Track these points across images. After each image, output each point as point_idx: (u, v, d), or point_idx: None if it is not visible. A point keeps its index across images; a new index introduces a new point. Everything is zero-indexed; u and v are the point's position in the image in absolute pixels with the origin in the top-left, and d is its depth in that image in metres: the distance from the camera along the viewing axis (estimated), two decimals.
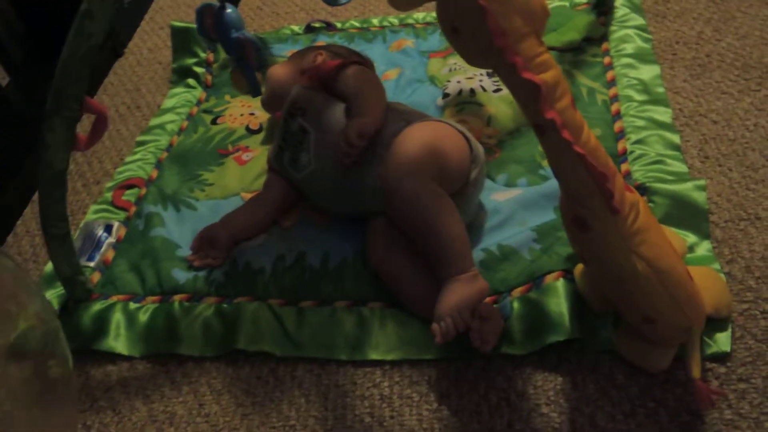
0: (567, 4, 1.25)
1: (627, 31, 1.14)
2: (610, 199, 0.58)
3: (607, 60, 1.11)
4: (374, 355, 0.76)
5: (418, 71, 1.18)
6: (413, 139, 0.79)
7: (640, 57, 1.08)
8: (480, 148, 0.86)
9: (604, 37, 1.15)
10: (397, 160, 0.77)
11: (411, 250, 0.80)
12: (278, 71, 0.99)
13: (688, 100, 1.00)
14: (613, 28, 1.16)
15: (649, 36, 1.13)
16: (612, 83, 1.06)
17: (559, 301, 0.74)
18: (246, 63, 0.81)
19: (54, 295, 0.89)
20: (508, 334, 0.74)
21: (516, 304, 0.76)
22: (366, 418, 0.71)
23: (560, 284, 0.75)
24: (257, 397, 0.75)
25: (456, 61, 1.19)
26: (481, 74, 1.10)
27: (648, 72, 1.06)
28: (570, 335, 0.71)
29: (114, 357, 0.82)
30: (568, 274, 0.76)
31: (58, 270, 0.84)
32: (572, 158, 0.57)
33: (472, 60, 0.59)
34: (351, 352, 0.77)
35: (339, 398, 0.73)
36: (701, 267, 0.73)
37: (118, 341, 0.83)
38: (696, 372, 0.61)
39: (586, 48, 1.13)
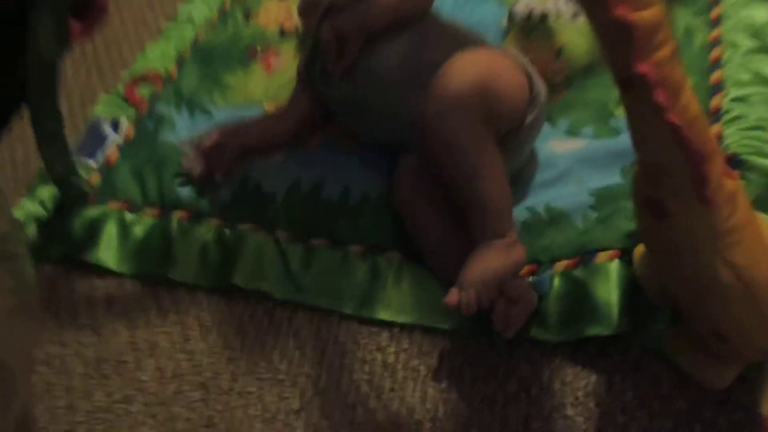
0: None
1: None
2: (703, 185, 0.45)
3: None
4: (383, 314, 0.67)
5: None
6: (463, 70, 0.66)
7: None
8: (542, 88, 0.71)
9: None
10: (441, 93, 0.64)
11: (444, 198, 0.68)
12: None
13: None
14: None
15: None
16: (716, 22, 0.88)
17: (608, 287, 0.62)
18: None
19: (49, 193, 0.81)
20: (542, 314, 0.63)
21: (557, 281, 0.64)
22: (363, 387, 0.62)
23: (614, 266, 0.63)
24: (247, 339, 0.67)
25: None
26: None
27: (764, 13, 0.87)
28: (615, 330, 0.60)
29: (102, 271, 0.75)
30: (625, 255, 0.64)
31: (50, 170, 0.75)
32: (662, 127, 0.44)
33: None
34: (358, 307, 0.67)
35: (337, 357, 0.65)
36: None
37: (108, 254, 0.75)
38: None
39: None
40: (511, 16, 0.93)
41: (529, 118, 0.69)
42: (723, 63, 0.82)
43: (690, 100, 0.44)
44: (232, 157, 0.78)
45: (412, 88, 0.71)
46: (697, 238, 0.47)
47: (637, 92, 0.44)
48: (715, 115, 0.77)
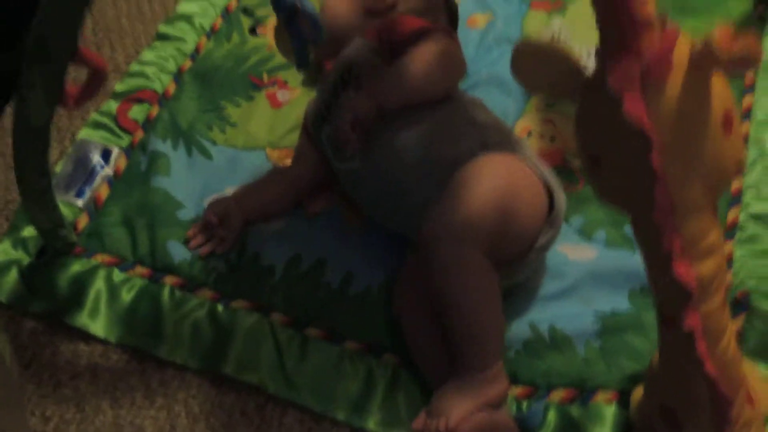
0: None
1: None
2: (724, 426, 0.44)
3: (749, 78, 0.87)
4: (373, 425, 0.66)
5: (512, 25, 0.95)
6: (478, 188, 0.61)
7: None
8: (563, 204, 0.68)
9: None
10: (447, 217, 0.61)
11: None
12: (336, 4, 0.77)
13: None
14: None
15: None
16: (746, 116, 0.84)
17: None
18: (296, 30, 0.60)
19: (33, 233, 0.77)
20: None
21: (552, 414, 0.64)
22: None
23: (611, 411, 0.63)
24: None
25: (563, 21, 0.95)
26: (589, 52, 0.87)
27: None
28: None
29: (88, 334, 0.72)
30: (623, 396, 0.63)
31: (36, 225, 0.71)
32: (696, 369, 0.42)
33: (608, 198, 0.41)
34: (350, 414, 0.66)
35: None
36: None
37: (95, 320, 0.72)
38: None
39: None
40: None
41: (542, 240, 0.66)
42: (747, 168, 0.79)
43: (729, 342, 0.43)
44: (235, 230, 0.74)
45: (423, 181, 0.67)
46: None
47: (679, 337, 0.41)
48: (731, 230, 0.75)
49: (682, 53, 0.36)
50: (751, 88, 0.87)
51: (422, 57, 0.68)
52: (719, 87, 0.37)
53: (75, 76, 0.75)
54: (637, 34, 0.35)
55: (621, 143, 0.37)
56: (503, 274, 0.64)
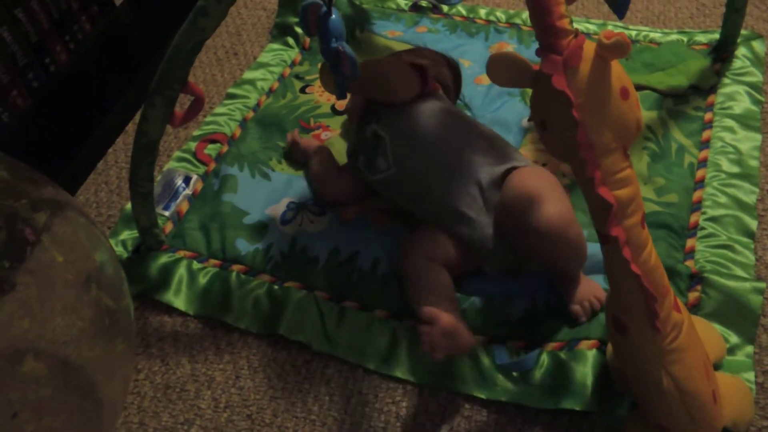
0: (685, 40, 1.18)
1: (738, 88, 1.08)
2: (654, 319, 0.59)
3: (708, 116, 1.06)
4: (399, 373, 0.81)
5: None
6: (556, 190, 0.82)
7: (744, 121, 1.04)
8: None
9: (713, 89, 1.10)
10: (553, 209, 0.79)
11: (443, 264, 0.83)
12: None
13: None
14: (725, 80, 1.10)
15: (761, 98, 1.08)
16: (705, 145, 1.02)
17: (585, 371, 0.77)
18: (338, 70, 0.82)
19: (129, 236, 0.98)
20: (529, 384, 0.77)
21: (545, 357, 0.79)
22: None
23: (592, 354, 0.78)
24: (288, 383, 0.82)
25: None
26: None
27: (747, 141, 1.01)
28: (586, 407, 0.74)
29: (171, 309, 0.90)
30: (602, 345, 0.78)
31: (138, 221, 0.91)
32: (627, 273, 0.59)
33: (555, 154, 0.60)
34: (380, 364, 0.82)
35: (359, 405, 0.79)
36: (732, 377, 0.74)
37: (178, 297, 0.91)
38: None
39: (690, 97, 1.09)
40: (531, 117, 1.08)
41: None
42: (706, 183, 0.96)
43: (650, 253, 0.59)
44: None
45: (458, 185, 0.85)
46: (647, 353, 0.62)
47: (610, 246, 0.59)
48: (692, 230, 0.92)
49: (589, 49, 0.55)
50: (709, 125, 1.05)
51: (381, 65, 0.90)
52: (617, 70, 0.56)
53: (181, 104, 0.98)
54: (558, 39, 0.55)
55: (556, 108, 0.56)
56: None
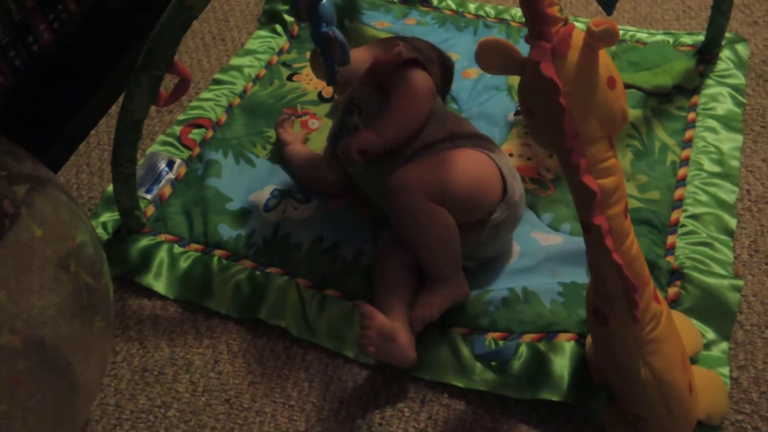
0: (670, 41, 1.20)
1: (722, 90, 1.10)
2: (634, 309, 0.60)
3: (691, 116, 1.08)
4: (375, 361, 0.81)
5: (500, 77, 1.17)
6: (434, 158, 0.81)
7: (727, 122, 1.05)
8: (518, 193, 0.85)
9: (697, 90, 1.11)
10: (397, 178, 0.80)
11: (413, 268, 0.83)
12: (355, 56, 0.99)
13: (759, 182, 0.98)
14: (709, 81, 1.12)
15: (744, 100, 1.09)
16: (688, 144, 1.04)
17: (563, 363, 0.77)
18: (328, 55, 0.82)
19: (110, 218, 0.96)
20: (508, 375, 0.78)
21: (523, 348, 0.79)
22: (357, 419, 0.77)
23: (570, 346, 0.78)
24: (267, 368, 0.82)
25: None
26: None
27: (729, 141, 1.03)
28: (563, 399, 0.75)
29: (151, 293, 0.89)
30: (581, 339, 0.79)
31: (119, 202, 0.90)
32: (609, 262, 0.59)
33: (541, 143, 0.60)
34: (358, 353, 0.82)
35: (338, 392, 0.79)
36: (708, 371, 0.75)
37: (158, 280, 0.90)
38: None
39: (674, 97, 1.10)
40: (518, 112, 1.08)
41: (497, 215, 0.83)
42: (687, 182, 0.98)
43: (632, 243, 0.60)
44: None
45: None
46: (626, 343, 0.63)
47: (593, 235, 0.59)
48: (673, 227, 0.93)
49: (578, 37, 0.56)
50: (692, 124, 1.07)
51: (404, 97, 0.88)
52: (604, 59, 0.56)
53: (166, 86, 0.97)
54: (548, 26, 0.55)
55: (543, 95, 0.56)
56: (470, 243, 0.82)
